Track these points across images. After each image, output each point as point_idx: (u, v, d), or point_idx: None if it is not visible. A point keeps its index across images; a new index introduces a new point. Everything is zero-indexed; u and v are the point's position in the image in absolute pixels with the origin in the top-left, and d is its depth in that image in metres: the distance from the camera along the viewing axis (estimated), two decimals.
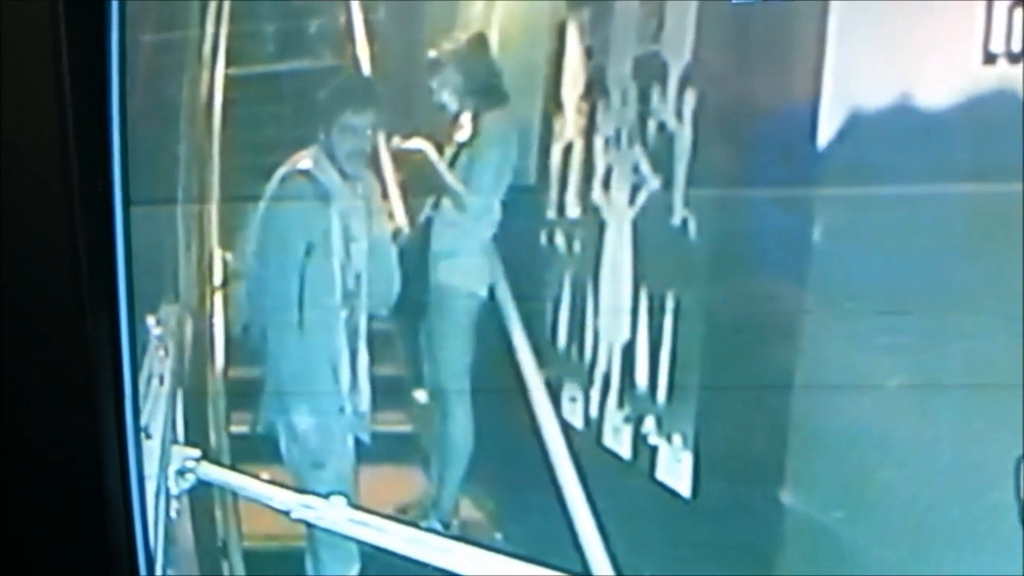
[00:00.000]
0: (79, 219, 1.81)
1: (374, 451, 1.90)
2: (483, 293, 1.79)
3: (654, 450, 1.69)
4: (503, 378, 1.78)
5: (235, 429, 1.94)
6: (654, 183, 1.66)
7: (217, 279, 1.90)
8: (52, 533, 1.81)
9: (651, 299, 1.67)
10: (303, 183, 1.88)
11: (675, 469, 1.67)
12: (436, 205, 1.82)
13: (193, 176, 1.89)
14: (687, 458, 1.65)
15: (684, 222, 1.64)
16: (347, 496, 1.87)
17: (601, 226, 1.70)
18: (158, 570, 1.88)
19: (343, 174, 1.86)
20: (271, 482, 1.91)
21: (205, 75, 1.93)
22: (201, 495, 1.94)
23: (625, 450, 1.72)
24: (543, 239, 1.75)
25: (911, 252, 1.52)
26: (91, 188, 1.81)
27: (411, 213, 1.84)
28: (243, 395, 1.93)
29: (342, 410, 1.91)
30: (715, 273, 1.65)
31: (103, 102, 1.81)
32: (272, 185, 1.87)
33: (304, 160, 1.87)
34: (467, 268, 1.81)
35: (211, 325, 1.92)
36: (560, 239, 1.75)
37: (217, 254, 1.91)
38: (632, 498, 1.70)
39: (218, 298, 1.90)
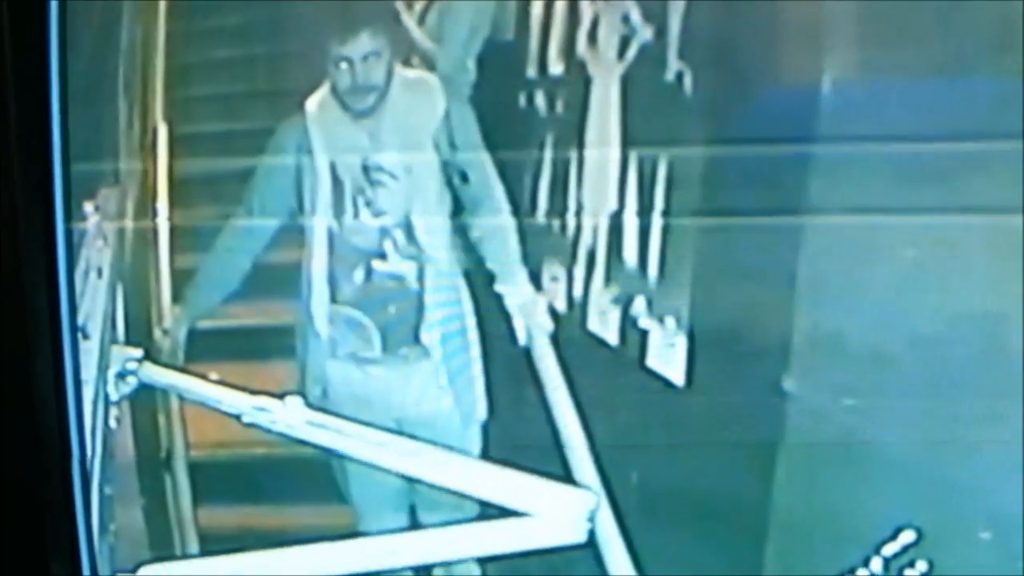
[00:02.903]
0: (8, 90, 1.71)
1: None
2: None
3: (644, 334, 1.57)
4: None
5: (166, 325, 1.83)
6: (645, 34, 1.55)
7: (162, 157, 1.79)
8: None
9: (641, 165, 1.56)
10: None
11: (667, 355, 1.55)
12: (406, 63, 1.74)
13: (135, 42, 1.78)
14: (681, 342, 1.54)
15: (679, 77, 1.53)
16: (303, 396, 1.76)
17: (587, 83, 1.59)
18: (95, 485, 1.77)
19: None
20: (220, 382, 1.79)
21: None
22: (143, 400, 1.82)
23: (612, 335, 1.61)
24: (522, 99, 1.64)
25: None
26: (24, 52, 1.71)
27: None
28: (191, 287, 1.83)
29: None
30: (713, 135, 1.54)
31: None
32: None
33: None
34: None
35: (155, 211, 1.81)
36: (541, 99, 1.63)
37: (162, 129, 1.80)
38: (620, 388, 1.59)
39: (163, 179, 1.79)
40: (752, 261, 1.52)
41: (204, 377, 1.81)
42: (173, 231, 1.82)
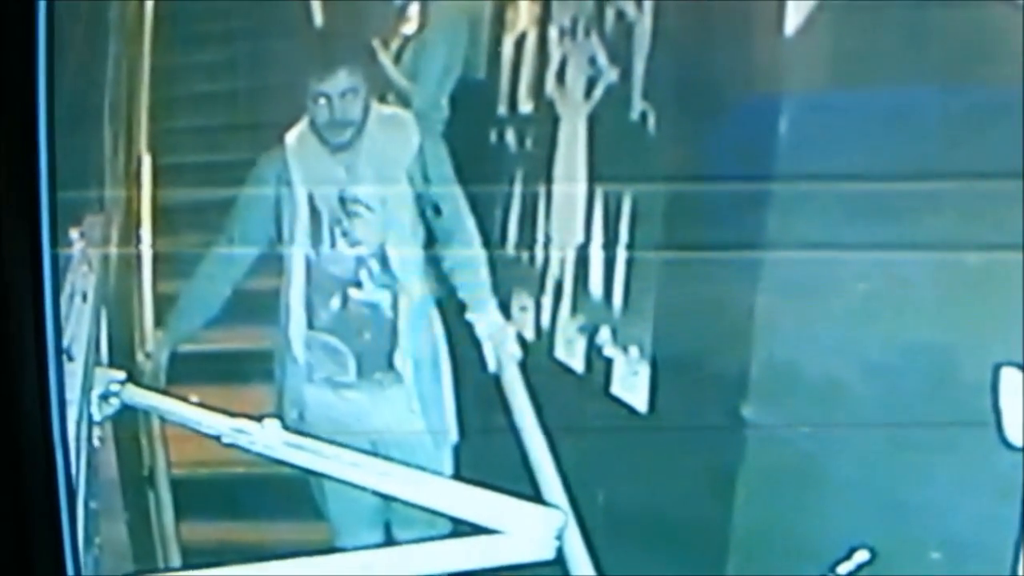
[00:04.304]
0: None
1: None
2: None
3: (609, 363, 1.64)
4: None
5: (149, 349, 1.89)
6: (611, 75, 1.62)
7: (146, 186, 1.85)
8: None
9: (607, 200, 1.63)
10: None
11: (631, 383, 1.62)
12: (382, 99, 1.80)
13: (121, 74, 1.84)
14: (644, 371, 1.61)
15: (643, 116, 1.60)
16: (281, 419, 1.82)
17: (555, 121, 1.66)
18: (80, 502, 1.82)
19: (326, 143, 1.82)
20: (201, 405, 1.86)
21: None
22: (126, 420, 1.88)
23: (579, 363, 1.67)
24: (493, 135, 1.71)
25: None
26: (10, 80, 1.75)
27: None
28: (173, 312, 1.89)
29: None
30: (676, 172, 1.61)
31: None
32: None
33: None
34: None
35: (138, 238, 1.87)
36: (511, 135, 1.70)
37: (146, 159, 1.86)
38: (586, 414, 1.66)
39: (146, 207, 1.85)
40: (712, 293, 1.59)
41: (185, 399, 1.88)
42: (156, 258, 1.88)
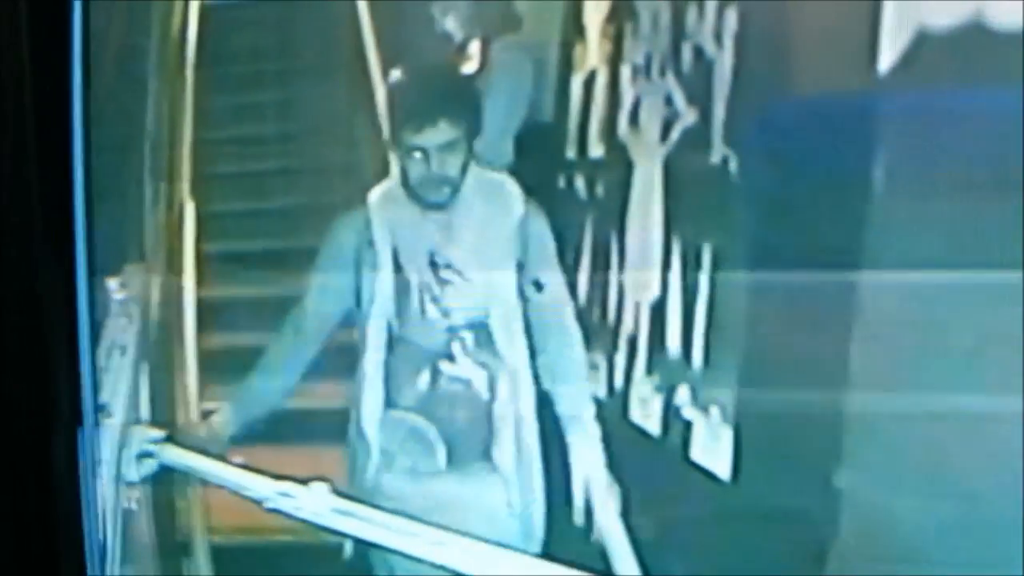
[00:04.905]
0: (32, 163, 1.68)
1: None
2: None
3: (688, 425, 1.53)
4: None
5: (208, 406, 1.80)
6: (689, 117, 1.50)
7: (189, 235, 1.76)
8: None
9: (685, 250, 1.51)
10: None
11: (712, 448, 1.51)
12: None
13: (162, 116, 1.75)
14: (726, 434, 1.49)
15: (724, 161, 1.49)
16: (330, 481, 1.71)
17: (628, 167, 1.55)
18: (112, 569, 1.72)
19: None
20: (243, 467, 1.75)
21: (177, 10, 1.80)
22: (163, 482, 1.80)
23: (654, 425, 1.56)
24: (561, 182, 1.61)
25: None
26: (47, 126, 1.68)
27: None
28: (217, 368, 1.79)
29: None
30: (760, 220, 1.50)
31: (65, 36, 1.68)
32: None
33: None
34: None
35: (181, 288, 1.77)
36: (581, 182, 1.60)
37: (189, 206, 1.77)
38: (662, 481, 1.55)
39: (189, 256, 1.76)
40: (801, 348, 1.48)
41: (226, 460, 1.78)
42: (200, 310, 1.81)
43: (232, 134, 1.83)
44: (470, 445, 1.64)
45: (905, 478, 1.44)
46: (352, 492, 1.67)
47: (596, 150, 1.58)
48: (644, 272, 1.55)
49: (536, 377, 1.62)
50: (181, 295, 1.80)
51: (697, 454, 1.53)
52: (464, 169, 1.66)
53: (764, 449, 1.50)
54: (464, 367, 1.64)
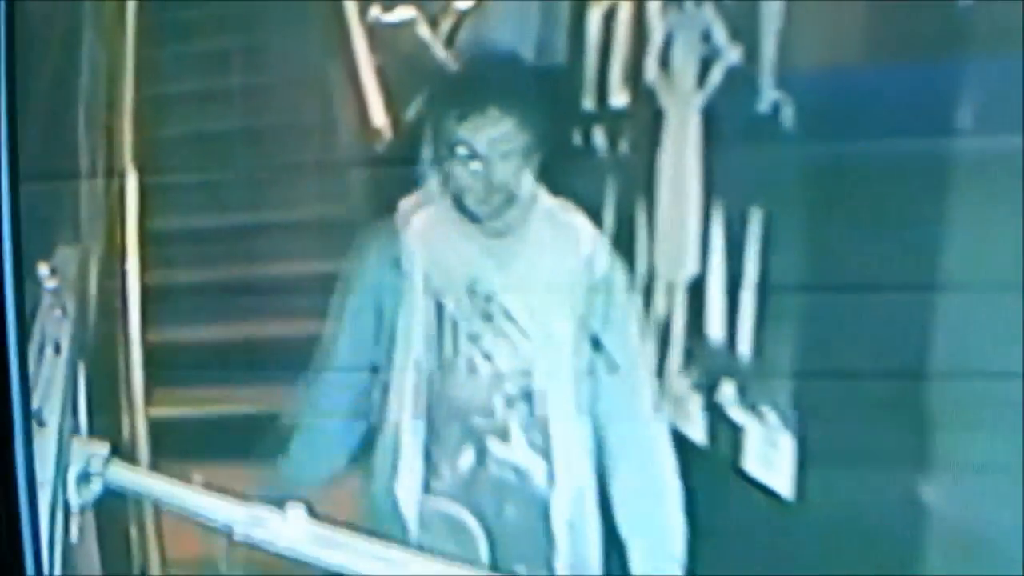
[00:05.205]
0: None
1: None
2: None
3: (738, 431, 1.30)
4: None
5: (157, 413, 1.56)
6: (732, 55, 1.28)
7: (132, 210, 1.51)
8: None
9: (729, 218, 1.28)
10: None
11: (769, 457, 1.28)
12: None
13: (99, 71, 1.50)
14: (787, 441, 1.26)
15: (775, 109, 1.26)
16: (308, 505, 1.47)
17: (658, 117, 1.31)
18: None
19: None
20: (207, 487, 1.51)
21: None
22: (111, 507, 1.56)
23: (697, 431, 1.32)
24: (577, 137, 1.35)
25: None
26: None
27: None
28: (168, 367, 1.55)
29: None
30: (818, 181, 1.27)
31: None
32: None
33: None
34: None
35: (124, 273, 1.53)
36: (600, 136, 1.34)
37: (131, 177, 1.52)
38: (709, 498, 1.30)
39: (132, 236, 1.51)
40: (876, 332, 1.24)
41: (186, 480, 1.54)
42: (146, 299, 1.56)
43: (184, 89, 1.56)
44: (521, 546, 1.30)
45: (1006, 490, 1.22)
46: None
47: (619, 98, 1.33)
48: (678, 245, 1.32)
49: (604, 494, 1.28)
50: (124, 281, 1.56)
51: (751, 465, 1.30)
52: (523, 176, 1.30)
53: (833, 459, 1.27)
54: (518, 450, 1.29)
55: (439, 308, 1.32)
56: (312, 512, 1.47)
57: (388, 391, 1.35)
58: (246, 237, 1.50)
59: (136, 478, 1.55)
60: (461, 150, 1.31)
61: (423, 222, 1.34)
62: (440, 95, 1.35)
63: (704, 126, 1.30)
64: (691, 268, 1.31)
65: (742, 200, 1.28)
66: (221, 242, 1.53)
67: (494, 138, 1.29)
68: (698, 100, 1.30)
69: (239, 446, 1.50)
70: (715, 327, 1.33)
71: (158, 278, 1.56)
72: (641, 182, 1.32)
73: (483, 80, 1.33)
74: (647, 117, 1.32)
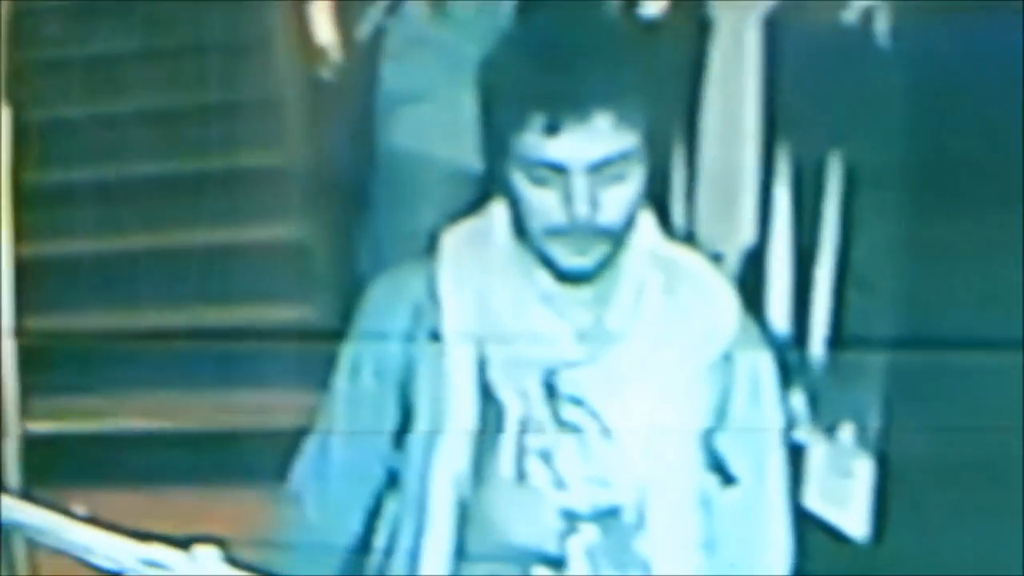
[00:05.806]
0: None
1: None
2: None
3: (799, 451, 1.00)
4: None
5: (36, 428, 1.25)
6: None
7: (3, 158, 1.21)
8: None
9: (799, 167, 1.00)
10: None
11: (841, 490, 0.98)
12: None
13: None
14: (864, 468, 0.97)
15: (867, 17, 0.98)
16: (222, 542, 1.15)
17: (703, 28, 1.03)
18: None
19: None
20: (92, 521, 1.21)
21: None
22: None
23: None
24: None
25: None
26: None
27: None
28: (47, 368, 1.24)
29: None
30: (920, 119, 0.98)
31: None
32: None
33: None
34: None
35: None
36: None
37: (4, 112, 1.21)
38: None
39: (4, 193, 1.21)
40: (983, 323, 0.95)
41: (68, 513, 1.23)
42: (21, 277, 1.25)
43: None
44: None
45: None
46: None
47: (650, 5, 1.05)
48: (728, 204, 1.02)
49: None
50: None
51: (814, 499, 1.00)
52: (632, 217, 0.89)
53: (919, 493, 0.97)
54: None
55: (494, 406, 0.93)
56: (228, 555, 1.17)
57: (405, 503, 0.97)
58: (146, 193, 1.18)
59: (7, 508, 1.30)
60: (543, 172, 0.89)
61: (473, 265, 0.95)
62: (509, 87, 0.91)
63: (766, 42, 1.02)
64: (745, 235, 1.04)
65: (818, 143, 1.02)
66: (114, 201, 1.21)
67: (595, 160, 0.87)
68: (758, 9, 1.03)
69: (133, 469, 1.21)
70: (779, 315, 1.04)
71: (36, 249, 1.26)
72: (679, 116, 1.04)
73: (576, 61, 0.89)
74: (691, 28, 1.04)
